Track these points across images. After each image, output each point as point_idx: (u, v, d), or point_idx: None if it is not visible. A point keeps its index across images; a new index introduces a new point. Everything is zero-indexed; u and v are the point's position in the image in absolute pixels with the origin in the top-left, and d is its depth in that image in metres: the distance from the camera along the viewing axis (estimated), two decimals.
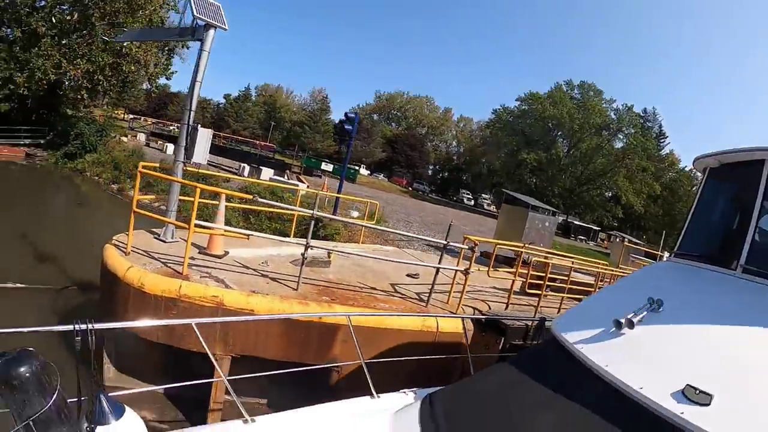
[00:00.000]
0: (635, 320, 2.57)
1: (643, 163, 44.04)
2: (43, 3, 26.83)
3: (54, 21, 25.35)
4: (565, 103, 45.68)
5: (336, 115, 70.17)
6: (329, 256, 6.92)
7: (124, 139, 30.45)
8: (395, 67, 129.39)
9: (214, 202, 7.66)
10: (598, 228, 45.56)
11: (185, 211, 7.86)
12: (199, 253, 6.07)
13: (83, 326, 1.91)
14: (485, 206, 53.00)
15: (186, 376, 6.03)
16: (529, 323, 5.82)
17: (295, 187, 18.01)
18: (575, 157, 46.44)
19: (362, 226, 9.62)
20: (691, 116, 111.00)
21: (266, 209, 13.13)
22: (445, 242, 6.49)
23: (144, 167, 5.95)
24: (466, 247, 6.48)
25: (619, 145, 46.43)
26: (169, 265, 5.36)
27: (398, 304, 6.09)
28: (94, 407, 1.86)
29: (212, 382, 5.18)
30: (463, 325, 5.72)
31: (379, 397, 3.30)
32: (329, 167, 39.04)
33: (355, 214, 16.26)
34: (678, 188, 47.88)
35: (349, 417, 2.95)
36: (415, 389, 3.39)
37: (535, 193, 38.25)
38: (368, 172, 54.83)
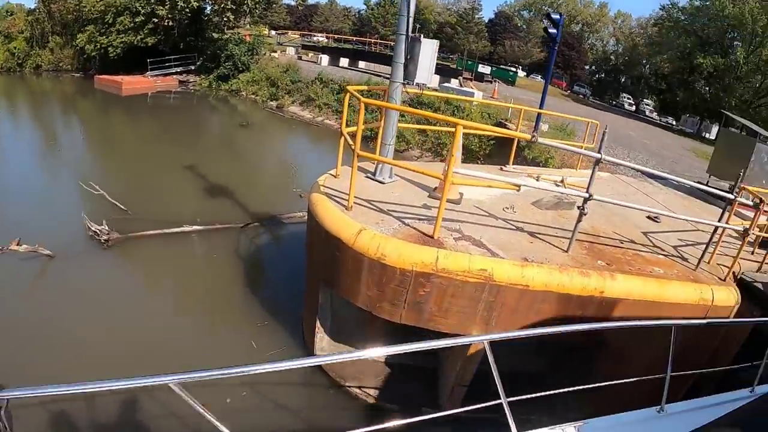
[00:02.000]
0: None
1: None
2: None
3: None
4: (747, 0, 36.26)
5: (486, 13, 64.72)
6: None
7: (275, 55, 29.78)
8: None
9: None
10: None
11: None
12: (428, 197, 4.77)
13: None
14: (647, 113, 45.39)
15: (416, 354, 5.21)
16: None
17: (471, 99, 15.99)
18: (754, 65, 37.51)
19: (590, 156, 7.25)
20: None
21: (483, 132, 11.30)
22: (734, 196, 4.64)
23: (351, 89, 4.55)
24: (750, 202, 4.91)
25: None
26: (406, 222, 4.11)
27: (667, 267, 4.54)
28: None
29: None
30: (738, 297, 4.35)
31: None
32: (486, 69, 35.47)
33: (545, 127, 14.60)
34: None
35: None
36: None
37: (709, 104, 34.08)
38: (524, 73, 49.73)
